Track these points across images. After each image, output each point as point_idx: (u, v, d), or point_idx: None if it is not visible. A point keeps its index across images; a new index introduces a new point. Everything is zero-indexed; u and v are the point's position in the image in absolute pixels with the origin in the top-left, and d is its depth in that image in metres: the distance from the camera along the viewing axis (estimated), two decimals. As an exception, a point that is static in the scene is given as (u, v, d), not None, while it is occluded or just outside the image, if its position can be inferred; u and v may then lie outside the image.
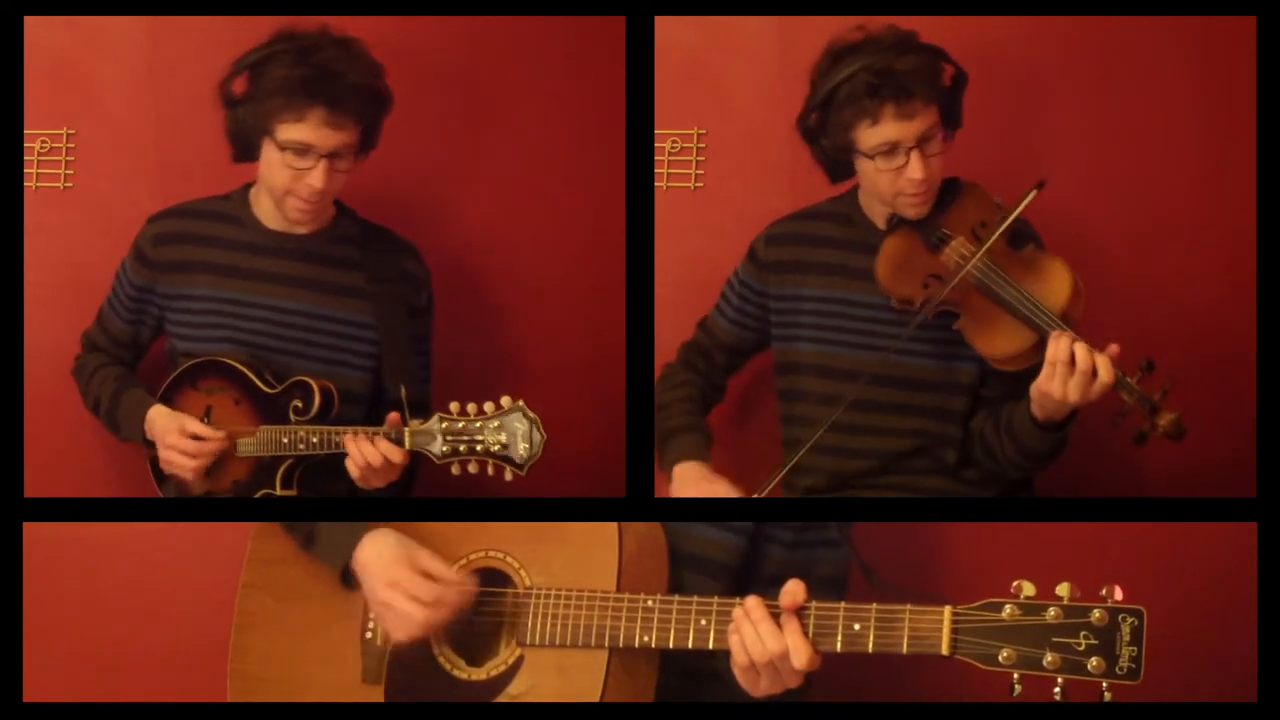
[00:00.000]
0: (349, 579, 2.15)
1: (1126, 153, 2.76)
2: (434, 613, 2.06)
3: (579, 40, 2.87)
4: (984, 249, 2.34)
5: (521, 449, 2.23)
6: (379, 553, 2.11)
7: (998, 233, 2.34)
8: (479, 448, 2.25)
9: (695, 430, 2.58)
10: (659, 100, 2.78)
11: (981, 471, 2.49)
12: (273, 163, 2.43)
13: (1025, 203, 2.33)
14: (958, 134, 2.47)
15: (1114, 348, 2.22)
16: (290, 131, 2.38)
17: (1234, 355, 2.69)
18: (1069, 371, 2.20)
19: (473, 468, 2.28)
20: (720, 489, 2.42)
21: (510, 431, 2.23)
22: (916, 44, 2.37)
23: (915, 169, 2.35)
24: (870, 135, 2.34)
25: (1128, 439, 2.25)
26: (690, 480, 2.48)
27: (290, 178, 2.42)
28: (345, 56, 2.40)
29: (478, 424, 2.25)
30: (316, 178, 2.40)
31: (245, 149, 2.48)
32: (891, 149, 2.35)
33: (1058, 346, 2.21)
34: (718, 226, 2.86)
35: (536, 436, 2.23)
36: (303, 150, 2.39)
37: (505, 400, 2.24)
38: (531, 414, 2.23)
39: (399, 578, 2.07)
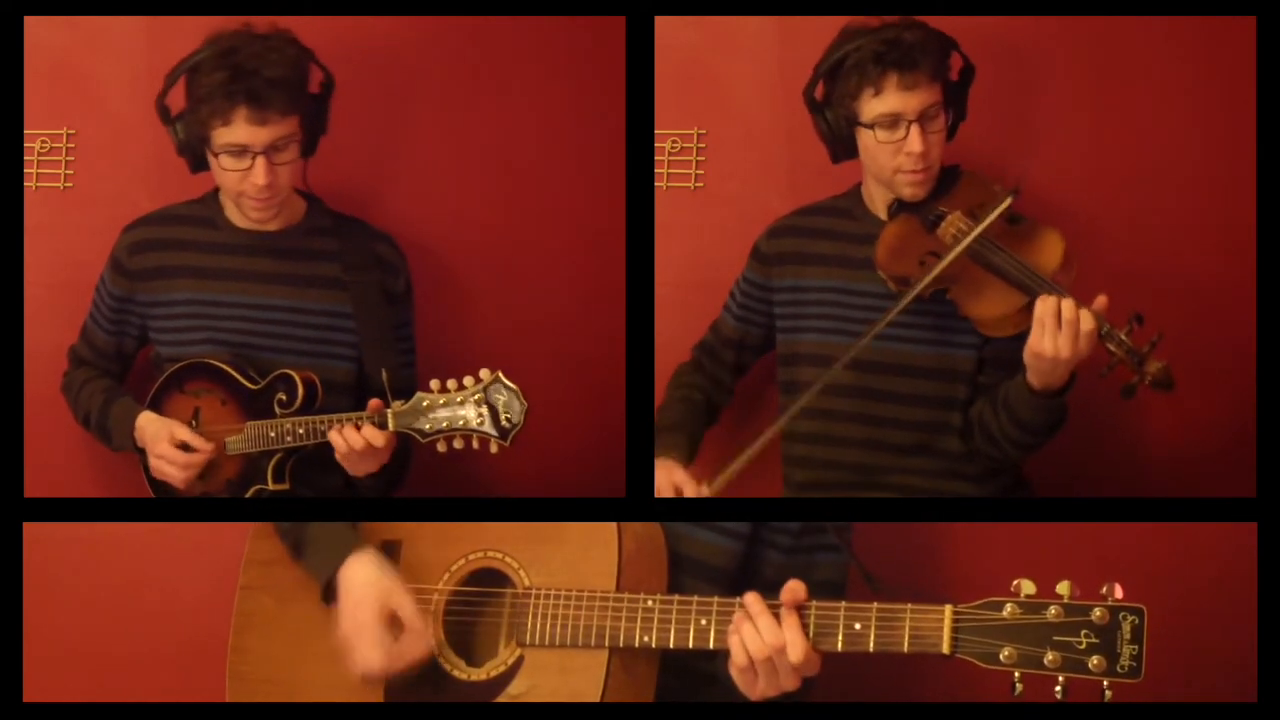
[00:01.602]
0: (330, 596, 2.16)
1: (1127, 153, 2.76)
2: (390, 663, 2.08)
3: (579, 40, 2.87)
4: (980, 228, 2.34)
5: (504, 419, 2.23)
6: (355, 585, 2.12)
7: (985, 223, 2.34)
8: (461, 422, 2.25)
9: (680, 429, 2.58)
10: (659, 100, 2.78)
11: (982, 465, 2.49)
12: (216, 168, 2.45)
13: (998, 211, 2.34)
14: (961, 132, 2.48)
15: (1101, 298, 2.23)
16: (222, 135, 2.40)
17: (1234, 356, 2.69)
18: (1056, 326, 2.20)
19: (458, 443, 2.27)
20: (676, 474, 2.40)
21: (491, 403, 2.23)
22: (928, 28, 2.40)
23: (914, 142, 2.37)
24: (873, 104, 2.37)
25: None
26: (658, 469, 2.46)
27: (235, 180, 2.44)
28: (264, 51, 2.39)
29: (459, 399, 2.25)
30: (258, 175, 2.41)
31: (196, 160, 2.49)
32: (893, 121, 2.37)
33: (1043, 306, 2.21)
34: (718, 226, 2.86)
35: (517, 406, 2.23)
36: (238, 152, 2.40)
37: (484, 373, 2.24)
38: (510, 384, 2.23)
39: (366, 621, 2.09)
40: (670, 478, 2.40)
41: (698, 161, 2.88)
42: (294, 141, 2.45)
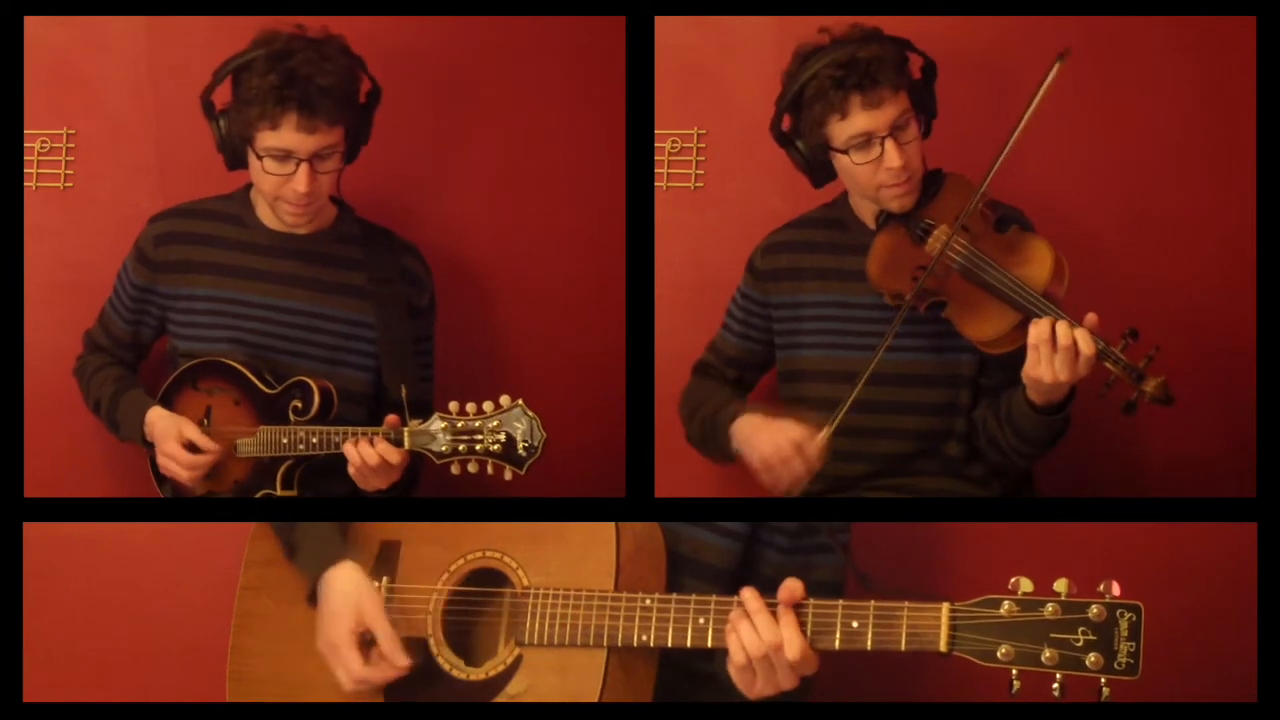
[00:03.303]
0: (315, 600, 2.17)
1: (1127, 152, 2.76)
2: (355, 688, 2.11)
3: (579, 40, 2.87)
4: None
5: (521, 448, 2.23)
6: (332, 597, 2.14)
7: (1021, 123, 2.32)
8: (479, 447, 2.25)
9: (737, 401, 2.55)
10: (659, 100, 2.78)
11: (987, 465, 2.49)
12: (257, 169, 2.44)
13: (1050, 79, 2.32)
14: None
15: (1092, 316, 2.22)
16: (268, 139, 2.38)
17: (1234, 355, 2.69)
18: (1052, 352, 2.19)
19: (472, 467, 2.28)
20: (789, 429, 2.35)
21: (510, 430, 2.23)
22: (880, 35, 2.37)
23: (891, 157, 2.34)
24: (842, 129, 2.34)
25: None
26: (756, 429, 2.42)
27: (275, 184, 2.42)
28: (317, 58, 2.38)
29: (477, 423, 2.25)
30: (300, 182, 2.40)
31: (235, 158, 2.48)
32: (865, 141, 2.34)
33: (1037, 330, 2.20)
34: (718, 226, 2.86)
35: (537, 435, 2.22)
36: (282, 156, 2.39)
37: (504, 399, 2.24)
38: (531, 413, 2.23)
39: (338, 639, 2.11)
40: (787, 434, 2.34)
41: (698, 161, 2.88)
42: (338, 151, 2.44)
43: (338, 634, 2.11)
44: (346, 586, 2.13)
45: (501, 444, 2.24)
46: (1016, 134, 2.32)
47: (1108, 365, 2.22)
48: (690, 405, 2.65)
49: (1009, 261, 2.32)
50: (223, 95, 2.46)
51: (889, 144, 2.34)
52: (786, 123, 2.45)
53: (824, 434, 2.34)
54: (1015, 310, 2.29)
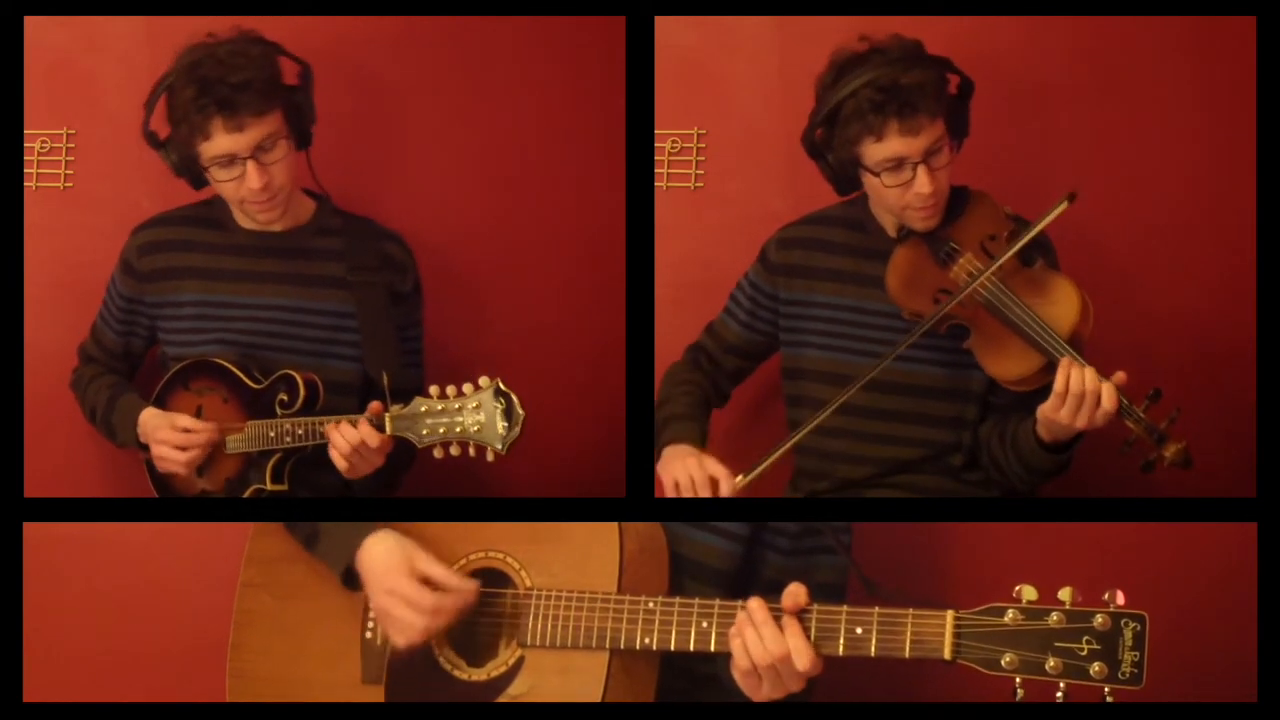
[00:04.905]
0: (351, 580, 2.16)
1: (1127, 153, 2.76)
2: (432, 620, 2.07)
3: (579, 40, 2.86)
4: (995, 265, 2.32)
5: (500, 427, 2.22)
6: (378, 557, 2.12)
7: (1018, 245, 2.32)
8: (458, 429, 2.25)
9: (692, 419, 2.53)
10: (659, 100, 2.78)
11: (986, 477, 2.49)
12: (213, 180, 2.45)
13: (1052, 216, 2.30)
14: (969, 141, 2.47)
15: (1120, 375, 2.21)
16: (207, 150, 2.40)
17: (1234, 356, 2.69)
18: (1076, 401, 2.19)
19: (454, 450, 2.27)
20: (709, 463, 2.34)
21: (488, 411, 2.23)
22: (922, 56, 2.33)
23: (923, 184, 2.32)
24: (875, 151, 2.31)
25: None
26: (677, 456, 2.40)
27: (232, 189, 2.45)
28: (227, 57, 2.38)
29: (456, 405, 2.24)
30: (252, 179, 2.41)
31: (194, 178, 2.49)
32: (898, 164, 2.31)
33: (1065, 379, 2.20)
34: (718, 226, 2.86)
35: (515, 414, 2.22)
36: (226, 162, 2.41)
37: (483, 380, 2.23)
38: (509, 391, 2.22)
39: (396, 585, 2.08)
40: (704, 467, 2.33)
41: (698, 161, 2.88)
42: (280, 138, 2.44)
43: (395, 580, 2.08)
44: (390, 543, 2.12)
45: (480, 425, 2.23)
46: (1012, 252, 2.33)
47: (1129, 424, 2.22)
48: (666, 388, 2.63)
49: (1035, 300, 2.31)
50: (162, 125, 2.47)
51: (921, 170, 2.31)
52: (819, 134, 2.41)
53: (740, 481, 2.32)
54: (1040, 353, 2.28)
